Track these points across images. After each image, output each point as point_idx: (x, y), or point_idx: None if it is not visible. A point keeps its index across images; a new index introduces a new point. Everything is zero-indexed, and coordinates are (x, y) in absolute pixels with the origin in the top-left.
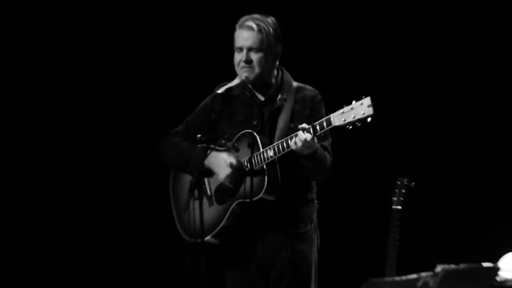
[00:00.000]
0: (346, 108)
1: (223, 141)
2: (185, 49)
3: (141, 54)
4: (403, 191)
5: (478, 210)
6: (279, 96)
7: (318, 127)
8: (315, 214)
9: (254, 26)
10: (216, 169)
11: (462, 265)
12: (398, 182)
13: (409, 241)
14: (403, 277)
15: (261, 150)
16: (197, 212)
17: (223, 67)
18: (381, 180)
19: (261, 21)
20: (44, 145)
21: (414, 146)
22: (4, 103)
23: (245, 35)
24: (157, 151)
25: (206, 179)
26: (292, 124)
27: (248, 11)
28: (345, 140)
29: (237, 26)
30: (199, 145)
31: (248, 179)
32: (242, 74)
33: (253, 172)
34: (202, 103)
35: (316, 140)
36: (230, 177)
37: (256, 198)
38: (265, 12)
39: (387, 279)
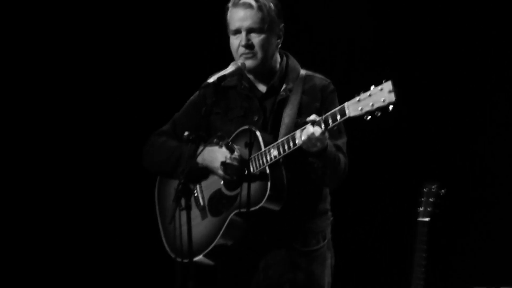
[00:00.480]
0: (363, 95)
1: (215, 139)
2: (173, 41)
3: (131, 48)
4: (431, 200)
5: None
6: (284, 86)
7: (330, 120)
8: (329, 229)
9: (253, 2)
10: (213, 164)
11: None
12: (425, 190)
13: (438, 259)
14: None
15: (263, 149)
16: (184, 226)
17: (217, 57)
18: (405, 187)
19: None
20: (29, 145)
21: (444, 146)
22: None
23: (242, 14)
24: (140, 156)
25: (198, 187)
26: (299, 119)
27: None
28: (362, 139)
29: (229, 5)
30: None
31: (247, 184)
32: (243, 61)
33: (253, 176)
34: (192, 97)
35: (327, 135)
36: (231, 167)
37: (257, 207)
38: None
39: None
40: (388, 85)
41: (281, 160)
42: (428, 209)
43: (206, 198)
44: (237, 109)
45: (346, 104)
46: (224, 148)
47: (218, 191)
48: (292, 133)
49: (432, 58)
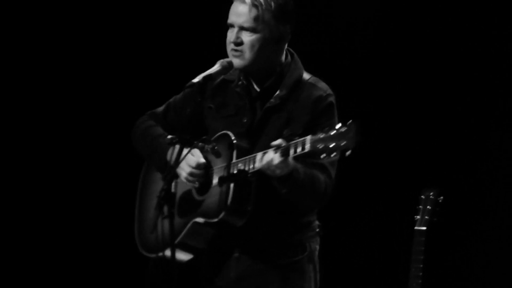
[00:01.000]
0: (327, 134)
1: (200, 143)
2: (169, 36)
3: (127, 46)
4: (429, 207)
5: None
6: (277, 92)
7: (292, 150)
8: (314, 241)
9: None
10: (178, 170)
11: None
12: (423, 197)
13: (436, 269)
14: None
15: (234, 161)
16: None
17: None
18: (401, 195)
19: None
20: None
21: (442, 151)
22: None
23: (237, 10)
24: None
25: (173, 183)
26: (285, 131)
27: None
28: (358, 145)
29: None
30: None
31: (213, 193)
32: (232, 57)
33: (219, 187)
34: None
35: (290, 162)
36: (192, 174)
37: (215, 220)
38: None
39: None
40: (352, 129)
41: (249, 174)
42: (426, 217)
43: (178, 195)
44: (230, 106)
45: (308, 138)
46: (196, 152)
47: (189, 192)
48: (253, 155)
49: (430, 66)
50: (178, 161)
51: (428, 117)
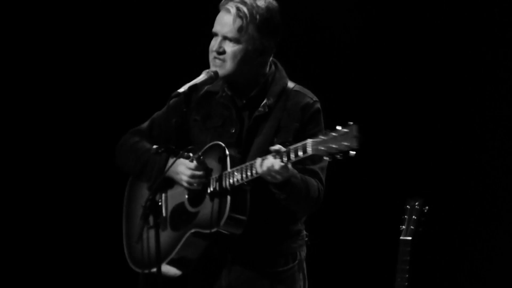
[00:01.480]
0: (327, 136)
1: (185, 153)
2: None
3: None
4: (415, 217)
5: (508, 240)
6: (264, 101)
7: (292, 154)
8: (302, 250)
9: (233, 9)
10: (177, 176)
11: None
12: (408, 206)
13: (421, 279)
14: None
15: (228, 170)
16: (151, 241)
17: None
18: (387, 204)
19: (246, 5)
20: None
21: (428, 161)
22: None
23: (222, 19)
24: (113, 153)
25: (163, 195)
26: (275, 139)
27: None
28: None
29: (219, 5)
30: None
31: (209, 203)
32: (212, 66)
33: (215, 197)
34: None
35: (289, 167)
36: (193, 176)
37: (214, 230)
38: None
39: None
40: (353, 130)
41: (245, 183)
42: (411, 227)
43: (170, 209)
44: (216, 118)
45: (308, 141)
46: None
47: (181, 205)
48: (253, 161)
49: (415, 75)
50: (163, 171)
51: (413, 127)
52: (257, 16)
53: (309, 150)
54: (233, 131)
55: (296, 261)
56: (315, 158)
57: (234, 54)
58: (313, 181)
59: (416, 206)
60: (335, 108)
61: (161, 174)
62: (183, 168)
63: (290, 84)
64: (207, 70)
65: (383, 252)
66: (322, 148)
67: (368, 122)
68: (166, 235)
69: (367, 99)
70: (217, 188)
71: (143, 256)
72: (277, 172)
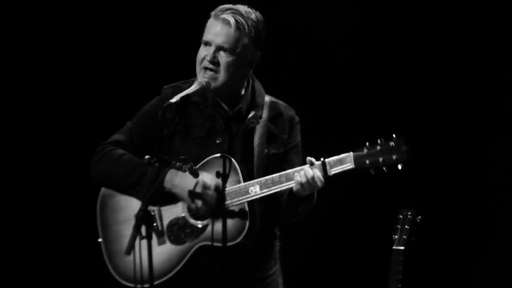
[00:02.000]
0: (372, 149)
1: (178, 163)
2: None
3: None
4: (407, 227)
5: (502, 249)
6: (253, 112)
7: (328, 166)
8: (279, 256)
9: (232, 21)
10: (183, 193)
11: None
12: (401, 216)
13: None
14: None
15: (242, 183)
16: (143, 254)
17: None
18: (379, 214)
19: (243, 16)
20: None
21: (420, 171)
22: None
23: (218, 29)
24: (89, 165)
25: (156, 208)
26: (267, 150)
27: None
28: None
29: (212, 14)
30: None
31: (220, 217)
32: (202, 77)
33: (229, 211)
34: (148, 107)
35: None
36: (201, 220)
37: (233, 243)
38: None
39: None
40: (401, 143)
41: (259, 196)
42: (404, 236)
43: (166, 222)
44: (198, 128)
45: (352, 154)
46: (201, 179)
47: (182, 219)
48: (285, 172)
49: (408, 84)
50: (156, 181)
51: (406, 137)
52: (252, 29)
53: (353, 163)
54: (219, 141)
55: (277, 265)
56: (298, 150)
57: (228, 65)
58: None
59: (409, 216)
60: (324, 118)
61: (153, 184)
62: (193, 187)
63: (267, 97)
64: (199, 81)
65: (376, 261)
66: (367, 161)
67: (360, 131)
68: (165, 249)
69: (359, 107)
70: (230, 201)
71: (136, 270)
72: (316, 184)
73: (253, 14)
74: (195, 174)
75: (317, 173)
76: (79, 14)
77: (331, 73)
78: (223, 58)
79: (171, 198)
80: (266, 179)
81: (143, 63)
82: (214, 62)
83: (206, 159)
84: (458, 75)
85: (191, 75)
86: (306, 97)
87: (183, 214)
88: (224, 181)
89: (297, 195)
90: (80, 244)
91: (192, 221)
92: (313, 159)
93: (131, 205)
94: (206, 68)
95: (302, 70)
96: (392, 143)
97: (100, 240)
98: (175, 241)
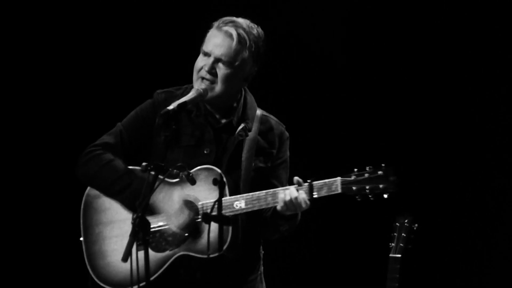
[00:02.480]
0: (360, 176)
1: (175, 170)
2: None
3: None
4: (404, 235)
5: (500, 256)
6: (243, 125)
7: (315, 189)
8: (261, 262)
9: (234, 33)
10: (166, 212)
11: None
12: (397, 224)
13: None
14: None
15: (228, 197)
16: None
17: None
18: (376, 222)
19: (245, 30)
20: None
21: (417, 178)
22: None
23: (219, 40)
24: (76, 165)
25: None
26: (254, 164)
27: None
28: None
29: (214, 24)
30: (140, 175)
31: (205, 228)
32: (199, 86)
33: (213, 222)
34: (140, 111)
35: (309, 203)
36: (177, 234)
37: (216, 254)
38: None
39: None
40: (390, 172)
41: (244, 211)
42: (401, 244)
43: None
44: (188, 136)
45: (339, 180)
46: (183, 196)
47: (165, 226)
48: (272, 191)
49: (401, 90)
50: (153, 187)
51: (402, 145)
52: (253, 44)
53: (340, 188)
54: (206, 152)
55: (258, 272)
56: (286, 166)
57: (226, 78)
58: None
59: (406, 224)
60: (320, 126)
61: (151, 192)
62: (178, 213)
63: (258, 110)
64: (196, 88)
65: (372, 269)
66: (354, 188)
67: (359, 140)
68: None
69: (353, 115)
70: (216, 213)
71: (120, 275)
72: (300, 206)
73: (255, 30)
74: (192, 181)
75: (302, 195)
76: (76, 17)
77: (324, 89)
78: (221, 70)
79: (156, 205)
80: (252, 195)
81: (138, 64)
82: (212, 73)
83: (196, 168)
84: (455, 82)
85: (186, 81)
86: (297, 113)
87: (167, 222)
88: (221, 190)
89: (280, 214)
90: (62, 242)
91: (175, 229)
92: (300, 180)
93: (114, 207)
94: (203, 78)
95: (294, 86)
96: (380, 172)
97: (81, 239)
98: (155, 248)
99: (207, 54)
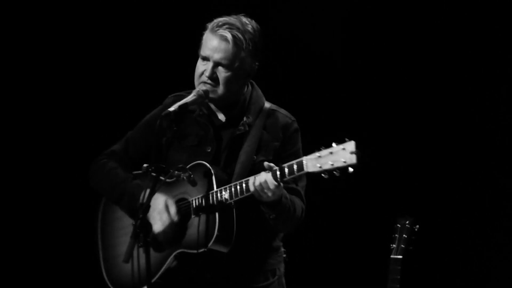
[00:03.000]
0: (323, 152)
1: (176, 172)
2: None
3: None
4: (405, 236)
5: (501, 258)
6: (244, 119)
7: (286, 171)
8: (281, 266)
9: (229, 37)
10: (153, 214)
11: None
12: (399, 225)
13: None
14: None
15: (215, 189)
16: (138, 260)
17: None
18: (377, 223)
19: (239, 29)
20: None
21: (418, 180)
22: None
23: (215, 44)
24: (87, 175)
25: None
26: (256, 157)
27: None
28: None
29: (208, 27)
30: (135, 181)
31: (195, 224)
32: (201, 88)
33: (201, 217)
34: (149, 117)
35: (282, 186)
36: (165, 233)
37: (203, 249)
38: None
39: None
40: (351, 146)
41: (233, 203)
42: (402, 246)
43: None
44: (192, 137)
45: (304, 158)
46: (168, 201)
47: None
48: (246, 179)
49: (399, 93)
50: (153, 191)
51: (403, 145)
52: (250, 42)
53: (305, 167)
54: (209, 150)
55: (276, 277)
56: (299, 177)
57: (227, 80)
58: (298, 201)
59: (407, 225)
60: (320, 126)
61: (152, 194)
62: (162, 216)
63: (267, 104)
64: (197, 89)
65: (374, 271)
66: (318, 165)
67: (360, 141)
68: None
69: (354, 116)
70: (204, 207)
71: (127, 277)
72: (270, 189)
73: (250, 25)
74: (193, 183)
75: (269, 178)
76: (82, 22)
77: (324, 89)
78: (222, 73)
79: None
80: (231, 186)
81: (157, 72)
82: (213, 78)
83: (190, 164)
84: (455, 82)
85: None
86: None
87: (152, 222)
88: (210, 183)
89: (261, 201)
90: (78, 245)
91: (161, 228)
92: (271, 165)
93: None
94: (205, 83)
95: (294, 86)
96: (342, 147)
97: (99, 243)
98: (156, 248)
99: (205, 59)
